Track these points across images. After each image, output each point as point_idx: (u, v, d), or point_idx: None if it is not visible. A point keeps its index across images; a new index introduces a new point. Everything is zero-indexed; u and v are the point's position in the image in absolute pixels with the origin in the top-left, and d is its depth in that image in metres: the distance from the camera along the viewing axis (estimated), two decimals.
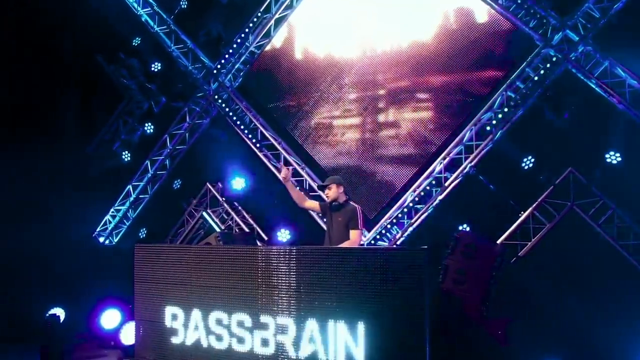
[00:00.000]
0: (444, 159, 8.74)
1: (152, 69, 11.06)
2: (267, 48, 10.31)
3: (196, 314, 6.22)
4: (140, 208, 11.11)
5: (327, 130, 9.82)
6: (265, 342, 5.73)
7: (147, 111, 11.16)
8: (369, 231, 9.15)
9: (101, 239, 11.18)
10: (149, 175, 10.93)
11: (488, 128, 8.36)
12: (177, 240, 10.43)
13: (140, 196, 11.06)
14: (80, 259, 10.30)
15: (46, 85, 10.26)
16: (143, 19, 11.07)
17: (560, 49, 8.00)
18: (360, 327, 5.32)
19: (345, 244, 6.18)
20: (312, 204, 6.63)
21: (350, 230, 6.23)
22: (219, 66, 10.40)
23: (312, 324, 5.55)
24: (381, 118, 9.35)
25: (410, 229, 8.86)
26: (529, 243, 7.91)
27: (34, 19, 10.10)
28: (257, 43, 10.24)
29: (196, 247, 6.60)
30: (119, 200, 11.11)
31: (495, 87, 8.44)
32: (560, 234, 7.83)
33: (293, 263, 5.71)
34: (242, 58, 10.31)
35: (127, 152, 11.12)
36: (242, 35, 10.16)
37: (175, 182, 10.93)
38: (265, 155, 9.98)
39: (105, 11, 10.57)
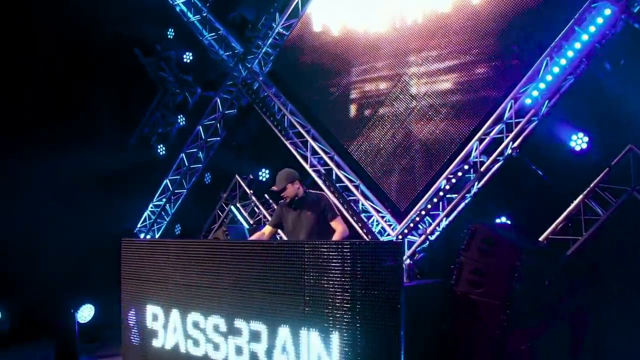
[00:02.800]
0: (482, 140, 7.52)
1: (184, 59, 10.76)
2: (296, 29, 9.56)
3: (175, 315, 5.72)
4: (178, 203, 10.85)
5: (356, 113, 8.93)
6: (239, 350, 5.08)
7: (183, 103, 10.87)
8: (399, 223, 8.14)
9: (142, 235, 11.04)
10: (184, 169, 10.63)
11: (528, 101, 7.03)
12: (210, 236, 10.01)
13: (177, 191, 10.79)
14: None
15: (82, 81, 10.25)
16: (178, 9, 10.79)
17: (617, 1, 6.51)
18: (334, 336, 4.49)
19: (338, 236, 5.45)
20: (270, 231, 5.86)
21: (332, 222, 5.54)
22: (244, 51, 9.82)
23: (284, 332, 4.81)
24: (414, 97, 8.29)
25: (445, 221, 7.73)
26: (580, 238, 6.51)
27: (68, 13, 10.08)
28: (284, 24, 9.52)
29: (174, 241, 6.03)
30: (157, 196, 10.92)
31: (540, 53, 7.08)
32: (618, 226, 6.36)
33: (259, 258, 5.02)
34: (269, 40, 9.65)
35: (162, 145, 10.91)
36: (268, 16, 9.51)
37: (207, 175, 10.54)
38: (293, 144, 9.25)
39: (137, 3, 10.37)
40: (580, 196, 6.56)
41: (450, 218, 7.71)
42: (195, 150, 10.50)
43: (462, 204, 7.65)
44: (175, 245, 5.93)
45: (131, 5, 10.14)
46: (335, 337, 4.47)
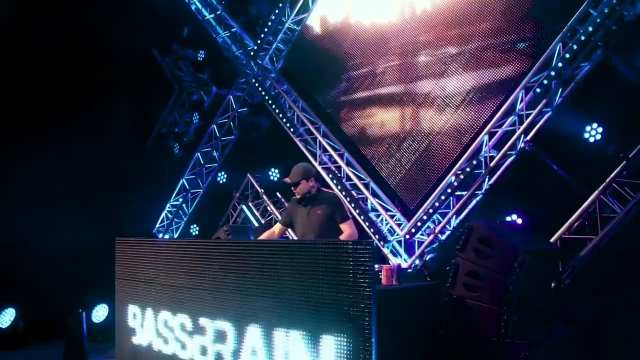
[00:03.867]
0: (493, 133, 7.07)
1: (199, 58, 10.69)
2: (307, 24, 9.31)
3: (149, 313, 5.64)
4: (195, 203, 10.77)
5: (367, 109, 8.60)
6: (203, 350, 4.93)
7: (199, 102, 10.79)
8: (408, 221, 7.77)
9: (160, 235, 11.04)
10: (200, 168, 10.56)
11: (539, 91, 6.54)
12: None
13: (193, 190, 10.73)
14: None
15: (100, 81, 10.28)
16: (194, 8, 10.73)
17: None
18: (303, 340, 4.25)
19: (343, 238, 5.16)
20: (280, 229, 5.64)
21: (341, 225, 5.24)
22: (255, 47, 9.66)
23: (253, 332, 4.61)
24: (424, 91, 7.91)
25: (455, 219, 7.31)
26: (595, 238, 5.99)
27: (83, 14, 10.10)
28: (294, 18, 9.30)
29: (160, 241, 5.92)
30: (174, 195, 10.89)
31: (552, 39, 6.58)
32: (638, 224, 5.82)
33: (237, 258, 4.84)
34: (280, 36, 9.44)
35: (178, 144, 10.87)
36: (278, 10, 9.31)
37: (220, 174, 10.42)
38: (303, 141, 9.00)
39: (153, 2, 10.34)
40: (596, 192, 6.06)
41: (461, 217, 7.29)
42: (210, 149, 10.42)
43: (474, 202, 7.22)
44: (160, 245, 5.84)
45: (147, 5, 10.12)
46: (304, 341, 4.22)
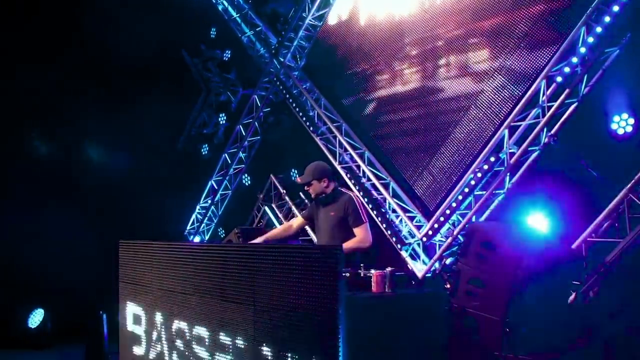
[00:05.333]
0: (514, 128, 6.53)
1: (225, 58, 10.62)
2: (329, 20, 9.03)
3: (145, 317, 5.56)
4: (224, 204, 10.70)
5: (387, 106, 8.22)
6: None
7: (227, 102, 10.71)
8: (428, 220, 7.32)
9: (191, 237, 11.04)
10: (228, 169, 10.47)
11: (560, 80, 5.94)
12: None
13: (221, 192, 10.64)
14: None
15: (128, 85, 10.38)
16: (221, 8, 10.68)
17: None
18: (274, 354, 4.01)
19: (352, 243, 4.84)
20: (299, 222, 5.44)
21: (355, 229, 4.92)
22: (277, 45, 9.45)
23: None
24: (446, 85, 7.45)
25: (474, 220, 6.80)
26: (622, 241, 5.36)
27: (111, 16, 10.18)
28: (314, 14, 9.03)
29: (157, 244, 5.78)
30: (203, 197, 10.87)
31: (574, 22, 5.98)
32: None
33: (218, 263, 4.65)
34: (300, 32, 9.19)
35: (207, 145, 10.84)
36: (298, 6, 9.07)
37: (244, 177, 10.28)
38: (324, 139, 8.71)
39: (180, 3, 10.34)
40: (624, 190, 5.43)
41: (483, 217, 6.78)
42: (236, 150, 10.31)
43: (495, 201, 6.70)
44: (159, 249, 5.72)
45: (176, 5, 10.13)
46: (275, 356, 3.96)
